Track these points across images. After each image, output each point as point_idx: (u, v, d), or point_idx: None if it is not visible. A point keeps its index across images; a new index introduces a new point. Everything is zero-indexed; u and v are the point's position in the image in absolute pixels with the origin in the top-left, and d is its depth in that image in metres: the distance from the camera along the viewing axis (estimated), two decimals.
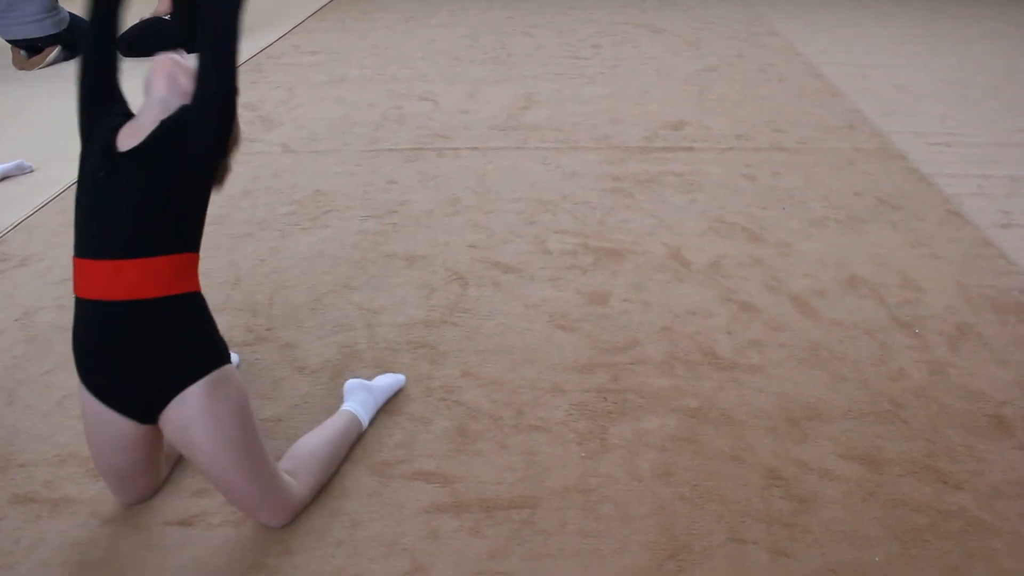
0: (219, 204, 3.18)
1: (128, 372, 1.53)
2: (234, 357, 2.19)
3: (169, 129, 1.52)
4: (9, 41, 5.50)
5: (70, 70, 5.38)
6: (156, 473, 1.76)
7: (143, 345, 1.51)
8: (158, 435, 1.67)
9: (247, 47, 5.66)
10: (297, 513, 1.69)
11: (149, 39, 5.55)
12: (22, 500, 1.79)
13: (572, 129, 3.89)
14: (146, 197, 1.50)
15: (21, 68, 5.48)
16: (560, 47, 5.43)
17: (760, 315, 2.38)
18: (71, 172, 3.66)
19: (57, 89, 5.04)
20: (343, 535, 1.66)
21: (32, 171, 3.64)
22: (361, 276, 2.65)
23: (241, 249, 2.85)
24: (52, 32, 5.49)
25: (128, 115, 1.62)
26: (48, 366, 2.26)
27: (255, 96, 4.59)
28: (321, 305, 2.49)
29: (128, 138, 1.53)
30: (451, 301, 2.49)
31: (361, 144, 3.79)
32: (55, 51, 5.57)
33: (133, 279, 1.49)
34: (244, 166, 3.57)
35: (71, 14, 5.77)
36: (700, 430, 1.93)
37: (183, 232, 1.54)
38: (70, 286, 2.50)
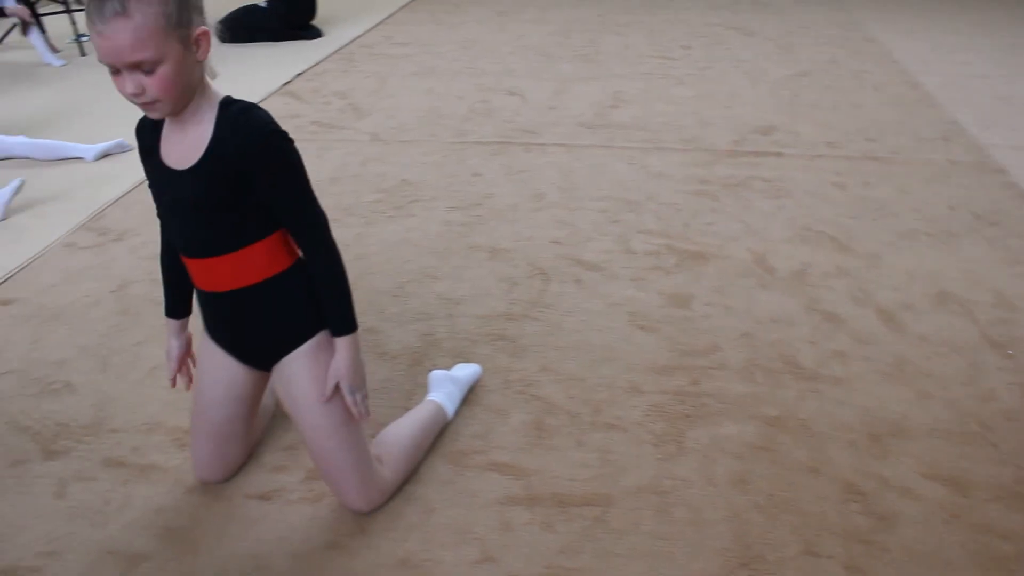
0: None
1: (250, 338, 1.65)
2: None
3: (226, 158, 1.47)
4: None
5: None
6: (244, 442, 1.80)
7: (260, 319, 1.61)
8: (262, 389, 1.75)
9: (339, 36, 5.76)
10: (385, 498, 1.72)
11: (246, 26, 5.69)
12: (113, 464, 1.86)
13: (659, 129, 3.87)
14: (214, 208, 1.51)
15: None
16: (650, 47, 5.40)
17: (845, 326, 2.34)
18: None
19: None
20: (416, 520, 1.68)
21: (131, 149, 3.77)
22: (444, 266, 2.68)
23: None
24: None
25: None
26: (139, 338, 2.34)
27: (346, 85, 4.67)
28: (403, 293, 2.53)
29: (177, 153, 1.51)
30: (532, 296, 2.50)
31: (448, 136, 3.82)
32: None
33: (228, 273, 1.56)
34: (333, 152, 3.64)
35: None
36: (778, 439, 1.90)
37: (262, 223, 1.55)
38: None
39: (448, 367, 2.14)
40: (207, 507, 1.73)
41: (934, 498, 1.73)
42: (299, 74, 4.87)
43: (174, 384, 1.79)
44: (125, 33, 1.33)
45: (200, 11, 1.42)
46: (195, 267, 1.59)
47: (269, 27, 5.68)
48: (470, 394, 2.06)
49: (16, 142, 3.71)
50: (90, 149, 3.69)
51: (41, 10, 5.66)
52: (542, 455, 1.86)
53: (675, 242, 2.81)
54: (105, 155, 3.72)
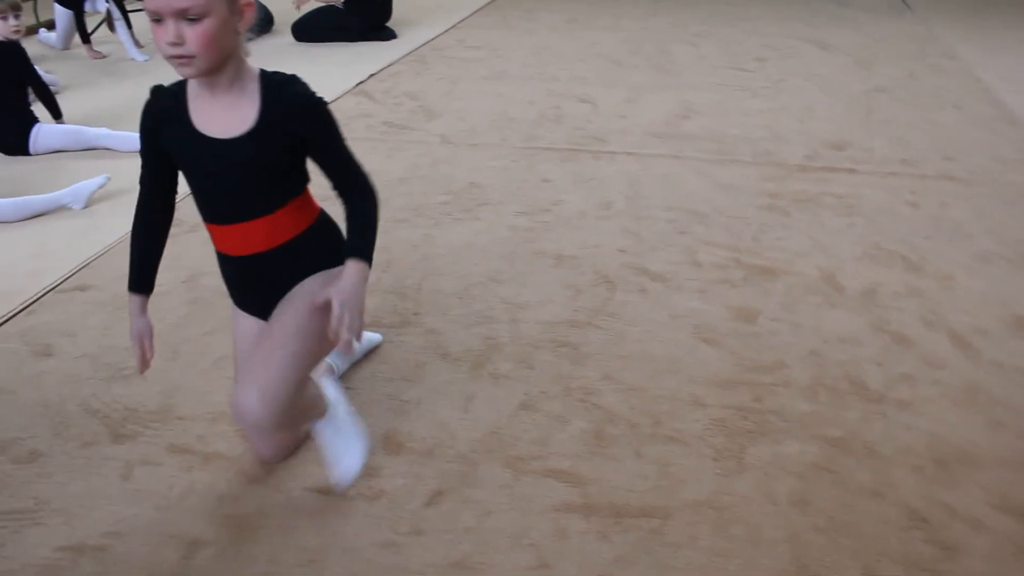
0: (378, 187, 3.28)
1: (280, 294, 1.68)
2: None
3: (278, 125, 1.54)
4: None
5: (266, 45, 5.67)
6: (293, 416, 1.68)
7: (291, 273, 1.68)
8: None
9: (413, 38, 5.81)
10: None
11: (322, 26, 5.78)
12: (178, 450, 1.90)
13: (731, 142, 3.83)
14: (263, 172, 1.58)
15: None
16: (723, 58, 5.35)
17: (914, 349, 2.29)
18: None
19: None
20: (472, 523, 1.69)
21: None
22: (509, 271, 2.69)
23: (394, 233, 2.94)
24: None
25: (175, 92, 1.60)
26: (208, 327, 2.39)
27: (418, 86, 4.71)
28: (468, 295, 2.54)
29: (216, 123, 1.55)
30: (597, 304, 2.49)
31: (518, 140, 3.84)
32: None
33: (265, 234, 1.63)
34: (404, 153, 3.68)
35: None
36: (841, 461, 1.87)
37: (296, 182, 1.65)
38: None
39: (509, 372, 2.14)
40: (267, 497, 1.76)
41: (1003, 530, 1.68)
42: (372, 74, 4.93)
43: (144, 371, 1.71)
44: None
45: None
46: (231, 232, 1.64)
47: (345, 28, 5.76)
48: (530, 399, 2.07)
49: (99, 133, 3.84)
50: None
51: (128, 6, 5.82)
52: (601, 464, 1.85)
53: (743, 256, 2.78)
54: None
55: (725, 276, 2.65)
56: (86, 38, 5.56)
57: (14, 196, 3.23)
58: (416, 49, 5.55)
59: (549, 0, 7.28)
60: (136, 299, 1.72)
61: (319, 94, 1.57)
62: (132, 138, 3.80)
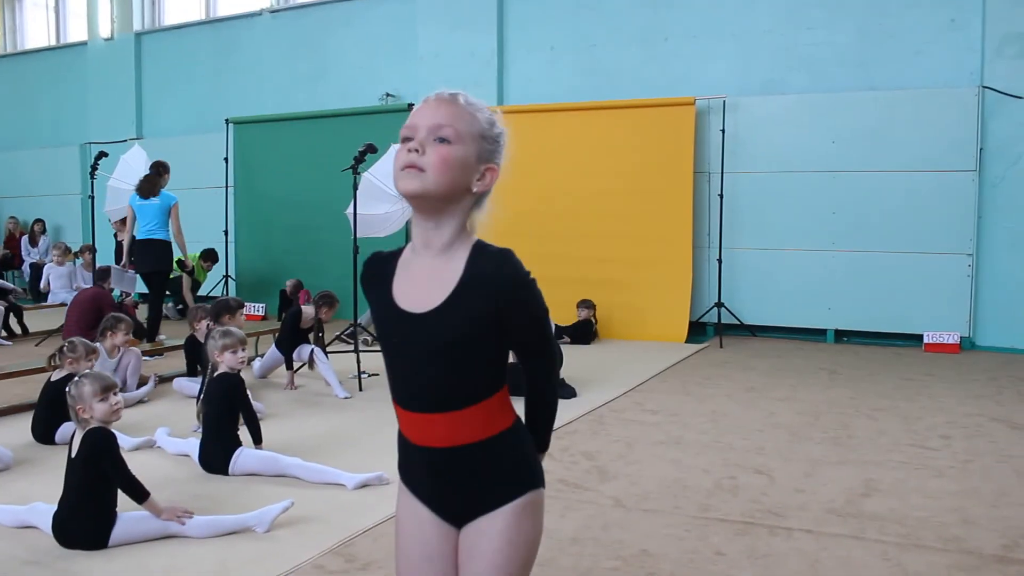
0: (546, 547, 3.32)
1: (456, 495, 1.65)
2: None
3: (479, 296, 1.56)
4: None
5: None
6: None
7: (471, 477, 1.63)
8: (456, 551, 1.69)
9: (592, 398, 6.05)
10: None
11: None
12: None
13: (916, 524, 3.67)
14: (455, 358, 1.57)
15: None
16: (905, 434, 5.25)
17: None
18: None
19: None
20: None
21: (389, 483, 4.06)
22: None
23: None
24: None
25: (384, 261, 1.67)
26: None
27: (594, 446, 4.85)
28: None
29: (414, 295, 1.59)
30: None
31: (692, 509, 3.83)
32: None
33: (459, 429, 1.60)
34: (576, 513, 3.73)
35: None
36: None
37: (488, 380, 1.61)
38: None
39: None
40: None
41: None
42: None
43: None
44: (451, 109, 1.57)
45: (499, 160, 1.63)
46: (414, 420, 1.63)
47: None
48: None
49: (292, 463, 4.17)
50: (352, 478, 4.02)
51: (331, 349, 6.48)
52: None
53: None
54: (364, 485, 4.03)
55: None
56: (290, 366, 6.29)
57: (206, 513, 3.49)
58: (595, 409, 5.77)
59: (728, 368, 7.48)
60: None
61: (527, 272, 1.58)
62: (321, 470, 4.10)
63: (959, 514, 3.80)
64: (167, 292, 9.09)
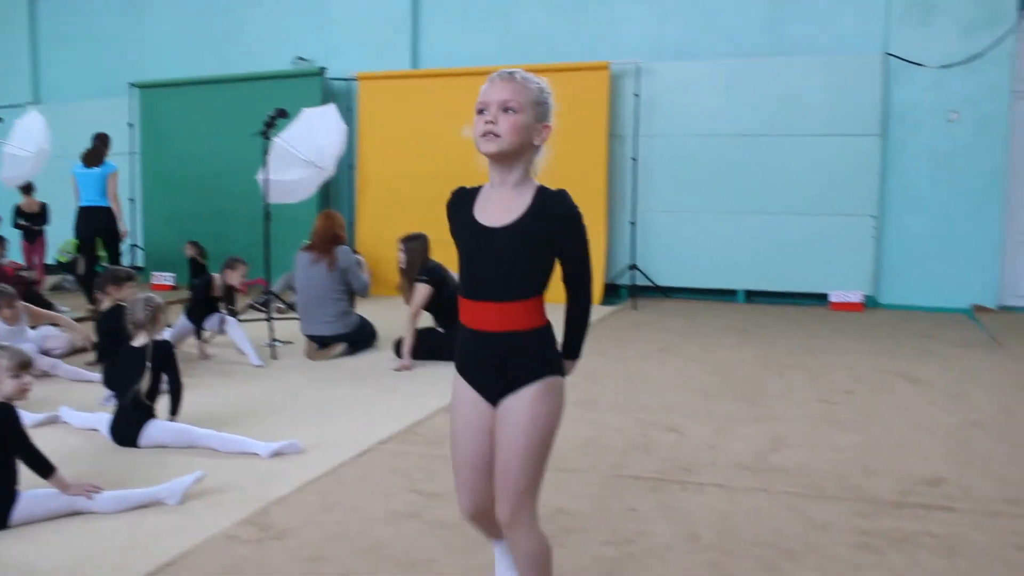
0: None
1: (498, 373, 2.14)
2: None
3: (541, 222, 2.10)
4: (306, 335, 6.33)
5: (350, 364, 6.02)
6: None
7: (514, 359, 2.12)
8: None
9: None
10: (524, 525, 2.15)
11: (425, 346, 6.11)
12: None
13: (821, 476, 3.80)
14: (515, 258, 2.10)
15: (311, 358, 6.22)
16: (812, 390, 5.42)
17: None
18: (336, 457, 4.04)
19: (338, 379, 5.63)
20: None
21: (302, 451, 4.03)
22: None
23: (478, 556, 2.94)
24: (341, 332, 6.28)
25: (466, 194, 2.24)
26: None
27: None
28: None
29: (492, 215, 2.13)
30: None
31: (607, 468, 3.89)
32: (340, 347, 6.30)
33: (499, 317, 2.11)
34: None
35: (360, 317, 6.56)
36: None
37: (536, 284, 2.13)
38: (316, 565, 2.71)
39: None
40: None
41: None
42: None
43: None
44: (511, 85, 2.10)
45: (550, 118, 2.14)
46: (477, 308, 2.13)
47: (445, 348, 6.11)
48: None
49: (204, 434, 4.09)
50: (266, 447, 3.97)
51: (244, 317, 6.36)
52: None
53: None
54: (278, 454, 3.98)
55: None
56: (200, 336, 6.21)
57: (115, 487, 3.40)
58: None
59: (642, 329, 7.61)
60: None
61: (578, 208, 2.12)
62: (234, 440, 4.04)
63: (860, 465, 3.95)
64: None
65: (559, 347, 2.22)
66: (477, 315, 2.13)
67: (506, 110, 2.07)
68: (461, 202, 2.22)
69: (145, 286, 9.42)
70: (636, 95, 9.32)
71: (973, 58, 8.64)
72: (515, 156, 2.11)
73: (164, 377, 4.23)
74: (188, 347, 6.30)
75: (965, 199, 8.76)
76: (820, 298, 9.12)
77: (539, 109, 2.12)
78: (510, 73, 2.12)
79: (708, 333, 7.48)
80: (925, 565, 2.93)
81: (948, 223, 8.82)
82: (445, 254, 6.18)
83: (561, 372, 2.19)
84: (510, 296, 2.10)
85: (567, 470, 3.85)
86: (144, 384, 4.10)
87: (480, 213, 2.15)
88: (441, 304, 6.11)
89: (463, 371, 2.21)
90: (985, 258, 8.78)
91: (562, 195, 2.12)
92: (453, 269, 2.44)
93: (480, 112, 2.10)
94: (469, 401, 2.19)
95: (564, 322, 2.25)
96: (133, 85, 11.29)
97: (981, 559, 2.98)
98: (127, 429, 4.10)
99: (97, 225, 8.66)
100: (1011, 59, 8.60)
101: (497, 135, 2.06)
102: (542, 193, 2.12)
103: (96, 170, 8.62)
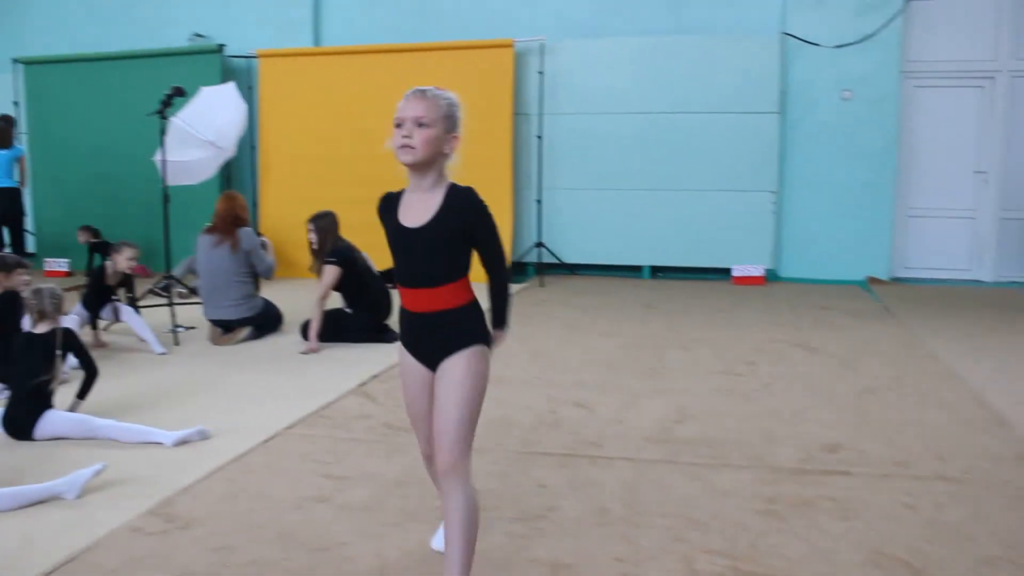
0: (373, 490, 3.33)
1: (434, 344, 2.45)
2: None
3: (452, 217, 2.38)
4: (210, 320, 6.17)
5: (256, 348, 5.90)
6: None
7: (445, 332, 2.43)
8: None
9: None
10: (457, 469, 2.38)
11: (333, 327, 6.04)
12: None
13: (724, 446, 3.90)
14: (437, 254, 2.40)
15: (216, 344, 6.08)
16: (716, 362, 5.55)
17: None
18: (243, 443, 3.96)
19: (244, 364, 5.51)
20: None
21: (209, 438, 3.94)
22: None
23: (390, 538, 2.93)
24: (246, 316, 6.15)
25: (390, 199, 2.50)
26: None
27: None
28: None
29: (412, 217, 2.41)
30: None
31: (516, 445, 3.91)
32: (246, 331, 6.17)
33: (432, 300, 2.41)
34: (402, 456, 3.74)
35: (265, 300, 6.43)
36: None
37: (459, 268, 2.43)
38: (225, 555, 2.66)
39: None
40: None
41: None
42: (375, 376, 5.09)
43: None
44: (424, 103, 2.36)
45: (459, 128, 2.40)
46: (411, 294, 2.44)
47: (353, 329, 6.05)
48: None
49: (104, 424, 3.94)
50: (171, 436, 3.86)
51: (144, 303, 6.15)
52: None
53: (741, 563, 2.76)
54: (184, 442, 3.88)
55: None
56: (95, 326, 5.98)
57: (8, 483, 3.26)
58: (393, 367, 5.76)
59: (549, 306, 7.66)
60: None
61: (483, 202, 2.41)
62: (137, 430, 3.91)
63: (762, 433, 4.07)
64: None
65: (487, 320, 2.52)
66: (412, 299, 2.45)
67: (420, 125, 2.33)
68: (387, 206, 2.50)
69: (37, 273, 9.04)
70: (540, 73, 9.33)
71: (865, 39, 8.92)
72: (428, 164, 2.38)
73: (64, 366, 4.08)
74: (83, 336, 6.07)
75: (859, 175, 9.07)
76: (724, 273, 9.33)
77: (448, 122, 2.38)
78: (423, 91, 2.38)
79: (615, 309, 7.58)
80: (826, 528, 3.03)
81: (843, 198, 9.12)
82: (359, 236, 6.14)
83: (487, 342, 2.49)
84: (437, 282, 2.41)
85: (477, 449, 3.84)
86: (56, 371, 3.96)
87: (403, 215, 2.44)
88: (349, 285, 6.04)
89: (407, 345, 2.53)
90: (878, 232, 9.12)
91: (468, 191, 2.41)
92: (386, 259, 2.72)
93: (398, 126, 2.36)
94: (414, 367, 2.52)
95: (488, 298, 2.55)
96: (17, 61, 10.78)
97: (875, 520, 3.10)
98: (21, 421, 3.93)
99: (3, 208, 8.83)
100: (900, 40, 8.92)
101: (412, 147, 2.33)
102: (452, 191, 2.41)
103: (5, 152, 8.76)
